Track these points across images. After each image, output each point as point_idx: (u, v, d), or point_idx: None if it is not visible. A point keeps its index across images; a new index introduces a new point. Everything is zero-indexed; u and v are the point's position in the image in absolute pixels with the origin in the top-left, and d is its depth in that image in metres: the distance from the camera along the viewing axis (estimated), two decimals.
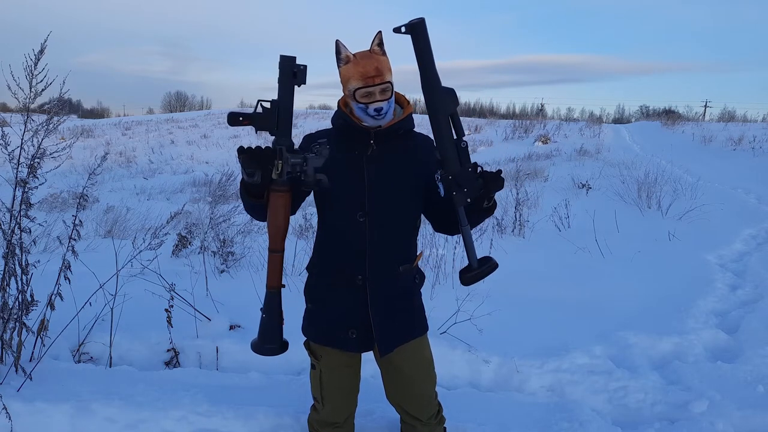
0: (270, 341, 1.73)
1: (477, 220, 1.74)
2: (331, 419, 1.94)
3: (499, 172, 1.64)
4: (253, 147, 1.56)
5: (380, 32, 1.68)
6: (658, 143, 18.81)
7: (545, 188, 9.96)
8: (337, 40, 1.67)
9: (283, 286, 1.74)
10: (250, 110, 1.62)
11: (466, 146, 1.62)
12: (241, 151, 1.54)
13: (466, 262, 1.72)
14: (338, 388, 1.90)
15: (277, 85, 1.60)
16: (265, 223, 1.71)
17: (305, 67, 1.58)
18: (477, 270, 1.67)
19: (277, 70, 1.58)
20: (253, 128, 1.61)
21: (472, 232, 1.71)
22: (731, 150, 15.95)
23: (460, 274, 1.70)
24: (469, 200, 1.62)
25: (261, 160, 1.55)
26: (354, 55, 1.66)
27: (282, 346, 1.76)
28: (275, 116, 1.60)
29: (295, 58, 1.58)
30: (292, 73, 1.58)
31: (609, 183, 9.90)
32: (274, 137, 1.61)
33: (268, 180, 1.59)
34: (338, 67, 1.69)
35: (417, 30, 1.55)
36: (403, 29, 1.57)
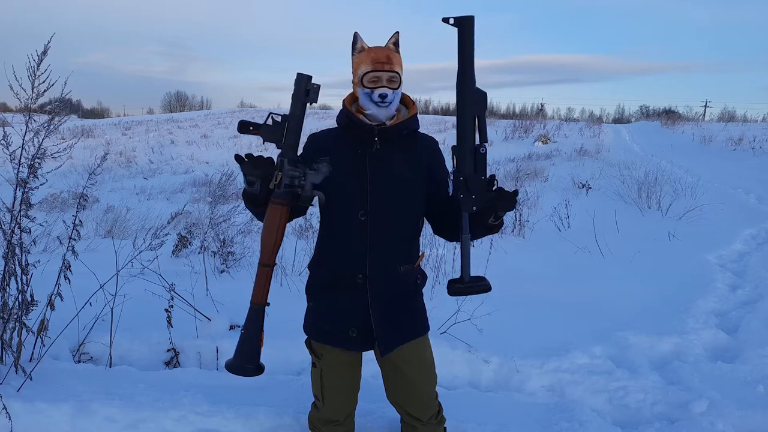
0: (248, 360, 1.68)
1: (479, 234, 1.73)
2: (332, 417, 1.94)
3: (516, 192, 1.63)
4: (255, 155, 1.59)
5: (397, 32, 1.73)
6: (658, 143, 18.81)
7: (545, 188, 9.96)
8: (355, 32, 1.73)
9: (268, 304, 1.71)
10: (252, 110, 1.64)
11: (485, 153, 1.61)
12: (243, 157, 1.57)
13: None
14: (339, 386, 1.90)
15: (290, 100, 1.63)
16: None
17: (319, 86, 1.62)
18: (467, 284, 1.67)
19: (293, 86, 1.61)
20: (260, 138, 1.64)
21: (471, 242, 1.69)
22: (731, 150, 15.94)
23: (449, 283, 1.70)
24: (474, 208, 1.62)
25: (262, 169, 1.58)
26: (369, 46, 1.72)
27: (258, 368, 1.70)
28: (283, 130, 1.62)
29: (311, 77, 1.61)
30: (305, 90, 1.60)
31: (609, 183, 9.90)
32: (280, 150, 1.63)
33: (267, 190, 1.61)
34: (352, 57, 1.73)
35: (465, 25, 1.56)
36: (451, 21, 1.57)
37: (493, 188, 1.62)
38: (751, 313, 3.86)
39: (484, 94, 1.61)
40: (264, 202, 1.64)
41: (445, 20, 1.58)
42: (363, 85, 1.69)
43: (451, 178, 1.63)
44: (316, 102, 1.63)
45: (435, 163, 1.83)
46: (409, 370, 1.85)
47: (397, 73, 1.69)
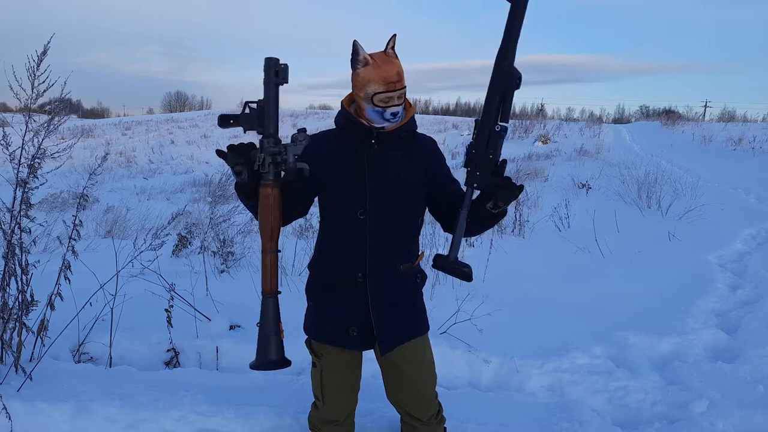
0: (272, 353, 1.68)
1: (480, 223, 1.70)
2: (332, 417, 1.94)
3: (521, 187, 1.61)
4: (235, 144, 1.60)
5: (395, 35, 1.69)
6: (658, 143, 18.81)
7: (545, 188, 9.97)
8: (355, 41, 1.67)
9: (279, 292, 1.70)
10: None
11: (500, 132, 1.58)
12: (224, 150, 1.59)
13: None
14: (339, 386, 1.90)
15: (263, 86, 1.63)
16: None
17: (287, 66, 1.61)
18: (452, 264, 1.67)
19: (263, 73, 1.61)
20: (242, 129, 1.64)
21: (473, 238, 1.68)
22: (731, 150, 15.95)
23: (436, 256, 1.70)
24: (475, 185, 1.60)
25: (245, 155, 1.59)
26: (372, 57, 1.66)
27: (284, 361, 1.69)
28: (261, 115, 1.63)
29: (278, 59, 1.61)
30: (275, 72, 1.61)
31: (609, 183, 9.90)
32: (261, 135, 1.63)
33: (255, 175, 1.61)
34: (354, 68, 1.68)
35: (519, 3, 1.53)
36: None
37: (502, 174, 1.60)
38: (751, 313, 3.85)
39: (519, 76, 1.58)
40: (255, 191, 1.64)
41: None
42: (374, 103, 1.67)
43: (466, 149, 1.62)
44: (287, 82, 1.62)
45: (434, 162, 1.83)
46: (409, 370, 1.85)
47: (405, 87, 1.69)
